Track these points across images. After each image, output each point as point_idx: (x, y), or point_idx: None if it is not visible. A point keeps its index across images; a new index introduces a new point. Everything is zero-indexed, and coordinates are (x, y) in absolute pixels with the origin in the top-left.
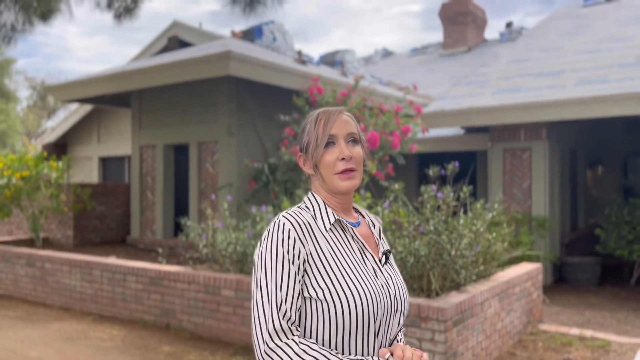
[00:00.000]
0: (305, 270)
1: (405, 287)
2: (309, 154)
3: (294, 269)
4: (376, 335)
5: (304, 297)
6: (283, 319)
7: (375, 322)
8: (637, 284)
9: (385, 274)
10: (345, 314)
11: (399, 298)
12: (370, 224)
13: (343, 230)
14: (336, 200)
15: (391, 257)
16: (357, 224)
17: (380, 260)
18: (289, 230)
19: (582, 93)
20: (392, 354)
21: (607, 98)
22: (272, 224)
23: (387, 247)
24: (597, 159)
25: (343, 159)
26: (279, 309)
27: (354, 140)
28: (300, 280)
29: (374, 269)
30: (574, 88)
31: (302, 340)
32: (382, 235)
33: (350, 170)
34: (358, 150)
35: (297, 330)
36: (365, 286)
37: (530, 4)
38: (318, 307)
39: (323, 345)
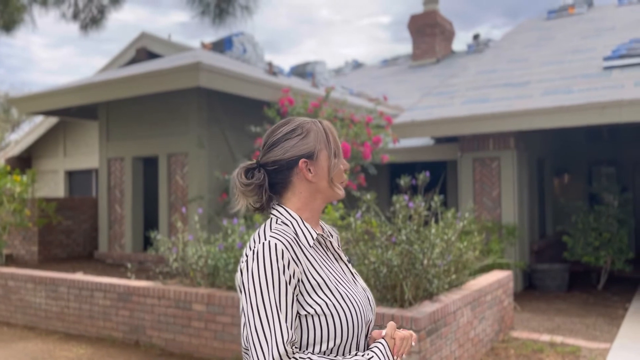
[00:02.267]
0: (299, 288)
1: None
2: (322, 162)
3: (290, 289)
4: (365, 339)
5: (300, 315)
6: (287, 343)
7: (364, 328)
8: (604, 290)
9: (358, 281)
10: (344, 323)
11: (373, 302)
12: (329, 234)
13: (320, 243)
14: (320, 211)
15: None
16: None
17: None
18: (282, 250)
19: (548, 103)
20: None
21: (572, 108)
22: (261, 245)
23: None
24: (563, 167)
25: (345, 170)
26: (282, 334)
27: None
28: (296, 301)
29: (351, 277)
30: (540, 98)
31: (302, 355)
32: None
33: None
34: None
35: (295, 347)
36: (354, 294)
37: (496, 17)
38: (316, 322)
39: None
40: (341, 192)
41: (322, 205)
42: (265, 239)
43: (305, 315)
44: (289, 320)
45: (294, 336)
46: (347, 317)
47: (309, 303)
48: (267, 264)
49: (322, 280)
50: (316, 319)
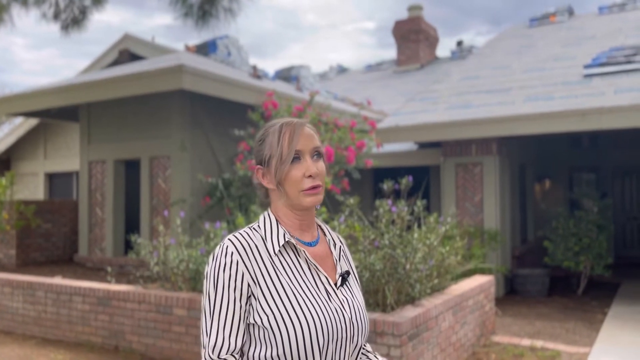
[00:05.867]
0: (252, 294)
1: (364, 309)
2: (271, 168)
3: (235, 295)
4: None
5: (250, 323)
6: (214, 351)
7: (325, 347)
8: (583, 294)
9: (341, 296)
10: (292, 339)
11: (356, 321)
12: (331, 243)
13: (294, 250)
14: (296, 217)
15: (352, 278)
16: (314, 243)
17: (335, 282)
18: (232, 253)
19: (530, 109)
20: None
21: (553, 114)
22: (218, 247)
23: (347, 267)
24: (544, 173)
25: (310, 176)
26: (212, 340)
27: (318, 154)
28: (244, 307)
29: (327, 291)
30: (522, 104)
31: None
32: (346, 254)
33: (317, 186)
34: (322, 165)
35: (235, 356)
36: (314, 310)
37: (480, 24)
38: (262, 333)
39: None
40: (306, 200)
41: (292, 213)
42: (224, 242)
43: (254, 325)
44: (228, 327)
45: (230, 343)
46: (294, 333)
47: (258, 312)
48: (216, 266)
49: (275, 291)
50: (262, 330)
